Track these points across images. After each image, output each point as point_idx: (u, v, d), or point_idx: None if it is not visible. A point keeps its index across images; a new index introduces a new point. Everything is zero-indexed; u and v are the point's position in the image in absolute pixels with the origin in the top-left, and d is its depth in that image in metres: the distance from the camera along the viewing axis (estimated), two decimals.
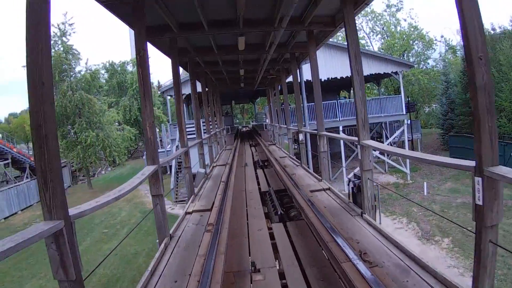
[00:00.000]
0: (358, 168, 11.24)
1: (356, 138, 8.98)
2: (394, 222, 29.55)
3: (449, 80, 53.42)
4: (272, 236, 8.15)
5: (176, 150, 35.25)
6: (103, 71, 74.19)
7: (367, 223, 8.07)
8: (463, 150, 41.68)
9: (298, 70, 17.78)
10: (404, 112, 42.45)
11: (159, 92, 45.52)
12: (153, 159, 8.31)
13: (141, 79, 8.19)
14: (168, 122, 46.54)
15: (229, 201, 10.72)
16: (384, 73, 42.27)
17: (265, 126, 42.41)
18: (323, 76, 37.72)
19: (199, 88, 21.22)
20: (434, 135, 59.89)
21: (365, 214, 8.50)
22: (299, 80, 17.53)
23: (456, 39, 74.71)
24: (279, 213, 9.56)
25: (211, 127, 25.22)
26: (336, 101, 42.34)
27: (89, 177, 57.04)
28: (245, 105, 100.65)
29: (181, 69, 18.17)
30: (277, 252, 7.37)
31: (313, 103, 36.06)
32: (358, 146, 8.60)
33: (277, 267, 6.66)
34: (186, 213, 10.41)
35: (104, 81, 74.80)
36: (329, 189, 11.46)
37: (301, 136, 16.37)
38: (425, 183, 35.85)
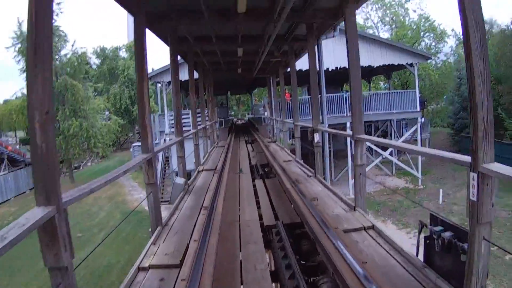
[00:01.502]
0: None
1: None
2: (408, 235, 26.16)
3: (462, 76, 48.88)
4: None
5: (164, 143, 32.27)
6: (93, 57, 72.27)
7: None
8: None
9: (316, 48, 13.22)
10: (418, 109, 38.66)
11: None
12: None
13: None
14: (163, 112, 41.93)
15: (212, 248, 6.37)
16: (398, 64, 38.04)
17: (263, 120, 38.19)
18: (331, 65, 34.36)
19: (186, 75, 19.46)
20: (441, 134, 56.26)
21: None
22: (318, 63, 13.22)
23: None
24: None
25: (199, 120, 22.35)
26: (343, 94, 38.02)
27: (71, 170, 52.96)
28: (242, 96, 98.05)
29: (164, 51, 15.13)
30: None
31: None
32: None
33: None
34: (139, 269, 6.32)
35: (95, 67, 72.95)
36: (372, 227, 7.31)
37: (317, 137, 12.15)
38: (440, 191, 32.28)
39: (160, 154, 36.68)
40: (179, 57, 16.19)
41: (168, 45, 14.09)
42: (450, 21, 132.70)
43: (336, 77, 41.17)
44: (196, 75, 21.74)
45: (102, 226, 32.91)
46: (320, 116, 12.21)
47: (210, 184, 11.87)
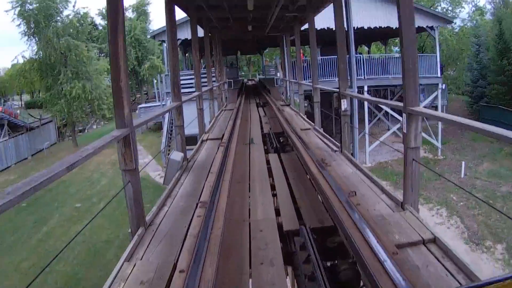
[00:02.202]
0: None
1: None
2: (431, 213, 25.01)
3: (481, 43, 48.17)
4: None
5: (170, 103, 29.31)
6: (99, 18, 71.08)
7: None
8: (496, 123, 35.39)
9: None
10: (439, 75, 36.63)
11: (148, 36, 40.03)
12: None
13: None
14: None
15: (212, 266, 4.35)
16: (418, 26, 34.34)
17: (275, 81, 35.83)
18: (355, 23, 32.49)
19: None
20: (458, 102, 54.51)
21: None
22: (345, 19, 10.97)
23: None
24: None
25: (204, 81, 21.40)
26: (360, 56, 35.85)
27: (74, 134, 51.64)
28: (252, 57, 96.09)
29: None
30: None
31: (328, 56, 32.28)
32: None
33: None
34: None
35: (101, 28, 70.47)
36: (434, 241, 5.07)
37: (344, 104, 9.92)
38: (463, 163, 30.59)
39: (166, 116, 35.65)
40: (184, 15, 16.48)
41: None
42: None
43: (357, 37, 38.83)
44: (201, 32, 20.04)
45: (102, 195, 31.55)
46: (348, 80, 10.24)
47: (214, 160, 9.69)
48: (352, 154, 10.18)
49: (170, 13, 9.39)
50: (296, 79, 22.48)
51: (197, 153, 11.36)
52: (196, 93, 13.74)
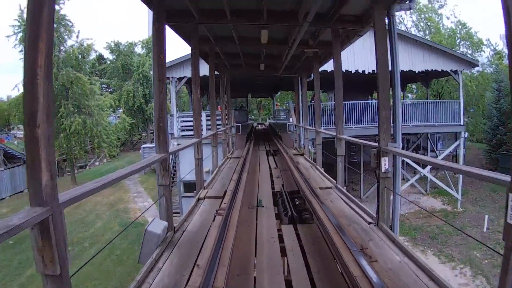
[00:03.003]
0: None
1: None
2: (454, 273, 22.56)
3: (502, 88, 45.70)
4: None
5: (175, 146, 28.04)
6: (107, 52, 70.25)
7: None
8: None
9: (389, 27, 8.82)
10: (462, 122, 34.23)
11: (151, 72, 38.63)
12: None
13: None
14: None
15: None
16: (442, 70, 33.39)
17: (288, 127, 33.64)
18: (368, 68, 31.01)
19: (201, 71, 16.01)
20: (474, 150, 53.32)
21: None
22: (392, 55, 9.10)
23: (502, 43, 68.09)
24: None
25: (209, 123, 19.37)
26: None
27: (73, 171, 49.86)
28: (262, 100, 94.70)
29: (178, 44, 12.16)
30: None
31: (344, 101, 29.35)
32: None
33: None
34: None
35: (109, 62, 70.83)
36: None
37: (385, 164, 7.54)
38: (486, 217, 28.30)
39: (171, 160, 32.71)
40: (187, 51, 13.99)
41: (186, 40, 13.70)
42: (483, 31, 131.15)
43: (369, 81, 36.97)
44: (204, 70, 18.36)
45: (95, 239, 29.43)
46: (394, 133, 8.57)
47: (210, 231, 7.50)
48: (390, 228, 7.88)
49: (158, 35, 7.74)
50: (312, 126, 20.68)
51: (189, 218, 8.88)
52: (193, 140, 11.52)
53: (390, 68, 8.03)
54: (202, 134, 13.32)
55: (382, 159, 7.70)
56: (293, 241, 7.27)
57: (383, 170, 7.70)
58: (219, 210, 8.79)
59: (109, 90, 69.79)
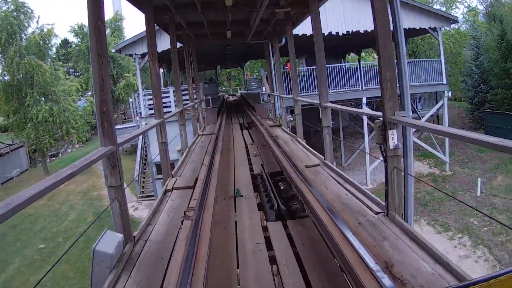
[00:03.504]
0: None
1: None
2: (453, 244, 21.82)
3: (480, 45, 44.87)
4: None
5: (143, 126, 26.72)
6: (71, 35, 69.46)
7: None
8: (503, 131, 33.79)
9: None
10: (445, 81, 33.04)
11: (113, 51, 37.31)
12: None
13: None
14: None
15: None
16: (420, 28, 32.07)
17: (261, 97, 31.85)
18: (342, 29, 30.10)
19: (164, 45, 19.08)
20: (454, 109, 51.32)
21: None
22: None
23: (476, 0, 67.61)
24: None
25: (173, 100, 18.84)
26: (357, 64, 33.51)
27: (44, 161, 48.56)
28: (232, 70, 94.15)
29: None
30: None
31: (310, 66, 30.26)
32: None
33: None
34: None
35: (74, 46, 69.37)
36: None
37: (393, 139, 5.84)
38: (479, 180, 27.31)
39: (139, 140, 32.98)
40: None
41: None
42: None
43: (347, 43, 37.19)
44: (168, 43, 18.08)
45: (69, 232, 28.50)
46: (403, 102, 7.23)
47: (177, 242, 5.91)
48: (403, 217, 6.26)
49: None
50: (289, 94, 19.70)
51: (154, 219, 7.10)
52: (155, 122, 9.97)
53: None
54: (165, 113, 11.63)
55: (390, 132, 6.11)
56: (285, 247, 5.58)
57: (391, 146, 6.11)
58: (187, 211, 6.96)
59: (77, 73, 68.87)
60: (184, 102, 19.15)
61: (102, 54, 5.90)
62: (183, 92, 20.18)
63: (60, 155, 58.51)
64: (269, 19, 17.38)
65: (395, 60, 6.45)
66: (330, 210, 6.22)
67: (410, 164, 6.56)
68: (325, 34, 28.43)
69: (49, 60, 47.44)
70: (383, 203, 6.59)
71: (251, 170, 10.76)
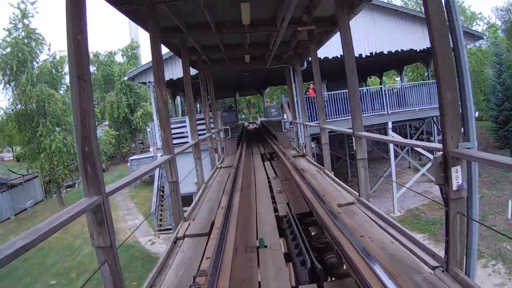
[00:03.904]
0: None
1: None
2: (487, 272, 20.41)
3: (503, 61, 43.65)
4: None
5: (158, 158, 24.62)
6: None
7: None
8: None
9: None
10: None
11: (125, 78, 36.72)
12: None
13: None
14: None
15: None
16: None
17: (283, 125, 30.35)
18: (365, 50, 28.61)
19: (180, 72, 18.52)
20: (478, 128, 49.34)
21: None
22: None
23: (494, 16, 67.63)
24: None
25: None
26: (382, 87, 31.41)
27: (59, 192, 47.97)
28: (251, 98, 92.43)
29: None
30: None
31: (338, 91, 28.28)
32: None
33: None
34: None
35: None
36: None
37: (457, 178, 4.66)
38: (510, 202, 25.75)
39: (156, 170, 30.87)
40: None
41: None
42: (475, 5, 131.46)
43: (371, 65, 36.52)
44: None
45: (82, 268, 27.43)
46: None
47: None
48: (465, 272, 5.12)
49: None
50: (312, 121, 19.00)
51: (158, 281, 5.87)
52: (162, 159, 8.61)
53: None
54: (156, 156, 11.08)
55: (453, 169, 4.98)
56: None
57: (454, 187, 5.00)
58: (198, 275, 5.49)
59: (94, 102, 66.93)
60: (201, 132, 18.53)
61: (83, 77, 4.66)
62: (199, 122, 19.16)
63: (76, 185, 57.49)
64: (290, 41, 16.48)
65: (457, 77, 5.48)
66: (376, 266, 4.96)
67: (475, 208, 5.37)
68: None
69: (63, 88, 47.45)
70: (439, 255, 5.58)
71: (275, 209, 9.32)
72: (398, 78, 59.09)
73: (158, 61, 9.33)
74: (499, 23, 65.26)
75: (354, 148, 9.18)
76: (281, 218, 8.60)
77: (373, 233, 6.88)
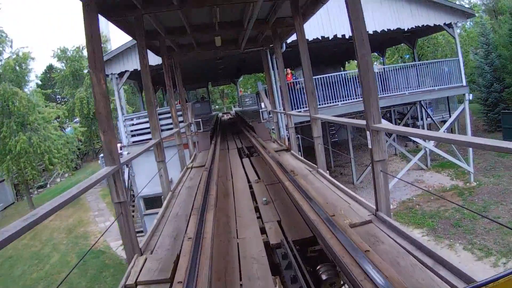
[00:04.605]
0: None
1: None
2: (497, 271, 17.55)
3: (490, 42, 42.52)
4: None
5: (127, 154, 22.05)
6: (55, 60, 66.16)
7: None
8: None
9: None
10: (465, 83, 29.28)
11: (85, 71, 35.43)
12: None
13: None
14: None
15: None
16: (434, 25, 28.66)
17: (262, 115, 27.95)
18: (346, 31, 25.86)
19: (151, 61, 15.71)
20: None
21: None
22: None
23: None
24: None
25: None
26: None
27: (28, 194, 46.04)
28: (225, 88, 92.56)
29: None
30: None
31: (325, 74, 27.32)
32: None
33: None
34: None
35: (59, 70, 67.53)
36: None
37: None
38: None
39: (125, 171, 28.23)
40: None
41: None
42: None
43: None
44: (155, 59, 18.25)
45: (50, 278, 26.05)
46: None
47: None
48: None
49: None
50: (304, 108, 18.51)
51: None
52: (103, 171, 6.35)
53: None
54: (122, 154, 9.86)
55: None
56: None
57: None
58: None
59: (64, 99, 67.22)
60: (169, 127, 18.00)
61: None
62: (165, 116, 16.99)
63: (48, 185, 56.65)
64: (268, 17, 14.32)
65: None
66: None
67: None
68: (330, 38, 26.00)
69: (28, 86, 46.24)
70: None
71: (263, 231, 6.76)
72: (376, 63, 57.99)
73: (93, 38, 6.41)
74: (479, 2, 64.98)
75: (369, 147, 6.56)
76: (272, 249, 6.04)
77: (411, 273, 4.59)
